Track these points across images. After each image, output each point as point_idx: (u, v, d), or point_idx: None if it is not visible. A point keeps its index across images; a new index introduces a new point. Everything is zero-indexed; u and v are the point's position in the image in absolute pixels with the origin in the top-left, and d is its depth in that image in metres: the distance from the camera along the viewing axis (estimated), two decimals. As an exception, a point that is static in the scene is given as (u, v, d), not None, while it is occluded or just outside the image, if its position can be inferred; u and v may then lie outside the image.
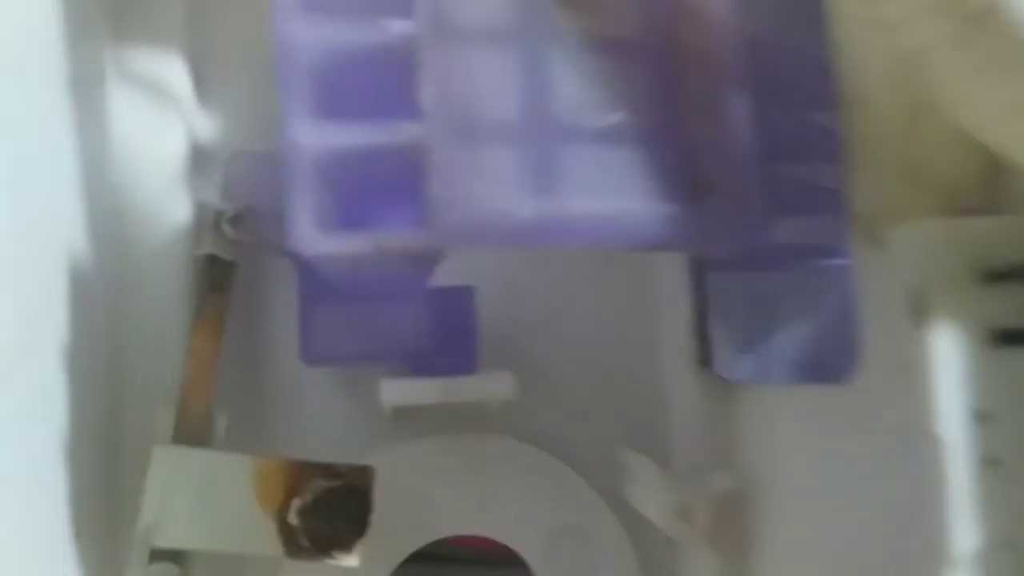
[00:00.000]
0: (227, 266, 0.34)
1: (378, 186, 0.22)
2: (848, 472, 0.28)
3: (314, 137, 0.21)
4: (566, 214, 0.22)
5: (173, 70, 0.34)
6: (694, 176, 0.24)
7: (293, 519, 0.31)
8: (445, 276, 0.33)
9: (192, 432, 0.32)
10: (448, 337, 0.34)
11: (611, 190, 0.22)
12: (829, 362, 0.31)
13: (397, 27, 0.21)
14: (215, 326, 0.34)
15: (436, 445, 0.36)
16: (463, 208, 0.21)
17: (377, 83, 0.22)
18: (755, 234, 0.27)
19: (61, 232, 0.30)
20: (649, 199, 0.23)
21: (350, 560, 0.31)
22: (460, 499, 0.36)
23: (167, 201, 0.34)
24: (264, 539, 0.31)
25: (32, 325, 0.28)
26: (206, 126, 0.36)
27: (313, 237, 0.22)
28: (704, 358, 0.35)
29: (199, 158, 0.35)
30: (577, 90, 0.22)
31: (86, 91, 0.32)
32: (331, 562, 0.31)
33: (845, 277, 0.31)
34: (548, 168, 0.22)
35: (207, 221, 0.34)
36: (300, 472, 0.32)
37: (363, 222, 0.22)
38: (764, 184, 0.27)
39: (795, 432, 0.32)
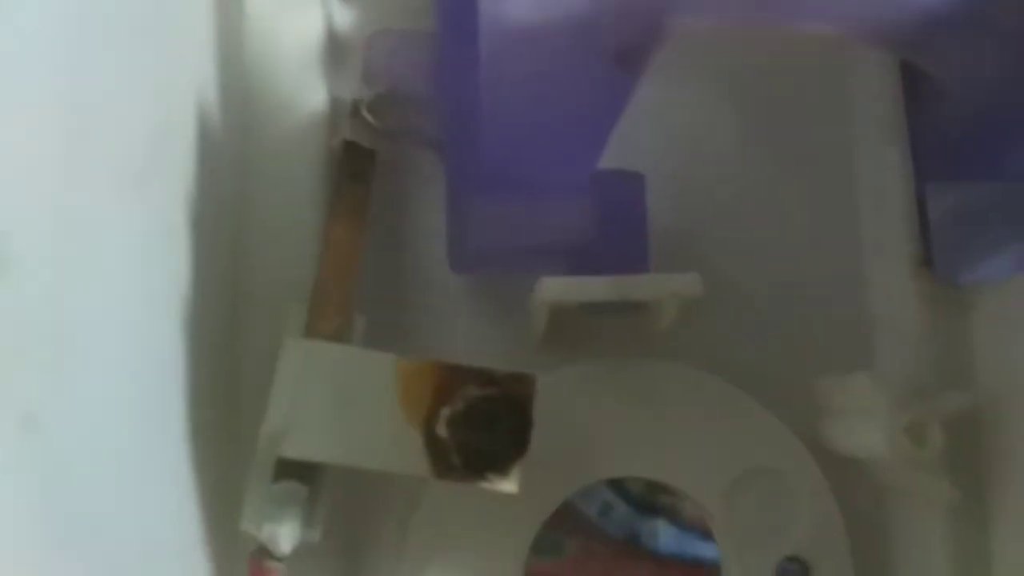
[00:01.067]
0: (367, 154, 0.31)
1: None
2: None
3: None
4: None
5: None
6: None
7: (442, 430, 0.26)
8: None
9: (328, 329, 0.28)
10: (616, 231, 0.29)
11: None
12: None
13: None
14: (356, 217, 0.30)
15: (597, 371, 0.31)
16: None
17: None
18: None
19: (187, 116, 0.27)
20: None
21: (508, 485, 0.26)
22: (625, 435, 0.30)
23: (301, 86, 0.31)
24: (409, 454, 0.26)
25: (153, 214, 0.25)
26: (345, 7, 0.32)
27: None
28: (927, 259, 0.29)
29: (336, 42, 0.32)
30: None
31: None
32: (485, 485, 0.26)
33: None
34: None
35: (346, 107, 0.31)
36: (452, 376, 0.27)
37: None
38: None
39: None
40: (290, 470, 0.26)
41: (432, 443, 0.27)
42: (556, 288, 0.28)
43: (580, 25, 0.18)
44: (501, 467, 0.26)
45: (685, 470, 0.30)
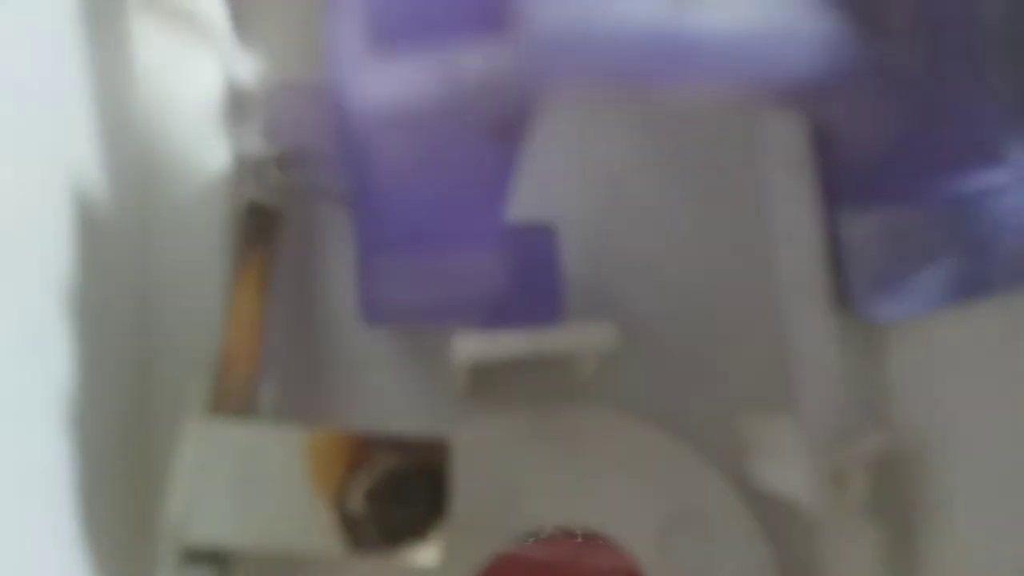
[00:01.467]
0: (271, 215, 0.30)
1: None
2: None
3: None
4: (701, 22, 0.17)
5: (205, -1, 0.30)
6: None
7: (355, 505, 0.26)
8: (518, 217, 0.28)
9: (233, 404, 0.27)
10: (529, 283, 0.28)
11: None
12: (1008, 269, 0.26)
13: None
14: (259, 283, 0.29)
15: (519, 420, 0.30)
16: (565, 6, 0.16)
17: None
18: (920, 89, 0.22)
19: (77, 186, 0.26)
20: (813, 10, 0.18)
21: (426, 555, 0.26)
22: (550, 485, 0.30)
23: (200, 147, 0.30)
24: (321, 532, 0.26)
25: (48, 291, 0.24)
26: (244, 61, 0.31)
27: (362, 66, 0.17)
28: (842, 296, 0.29)
29: (237, 96, 0.31)
30: None
31: (103, 21, 0.28)
32: (403, 559, 0.26)
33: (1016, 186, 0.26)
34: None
35: (247, 166, 0.30)
36: (362, 447, 0.26)
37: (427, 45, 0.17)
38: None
39: (975, 373, 0.26)
40: (199, 556, 0.25)
41: (345, 518, 0.26)
42: (469, 346, 0.28)
43: (447, 106, 0.17)
44: (419, 537, 0.26)
45: (613, 517, 0.30)
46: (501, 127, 0.19)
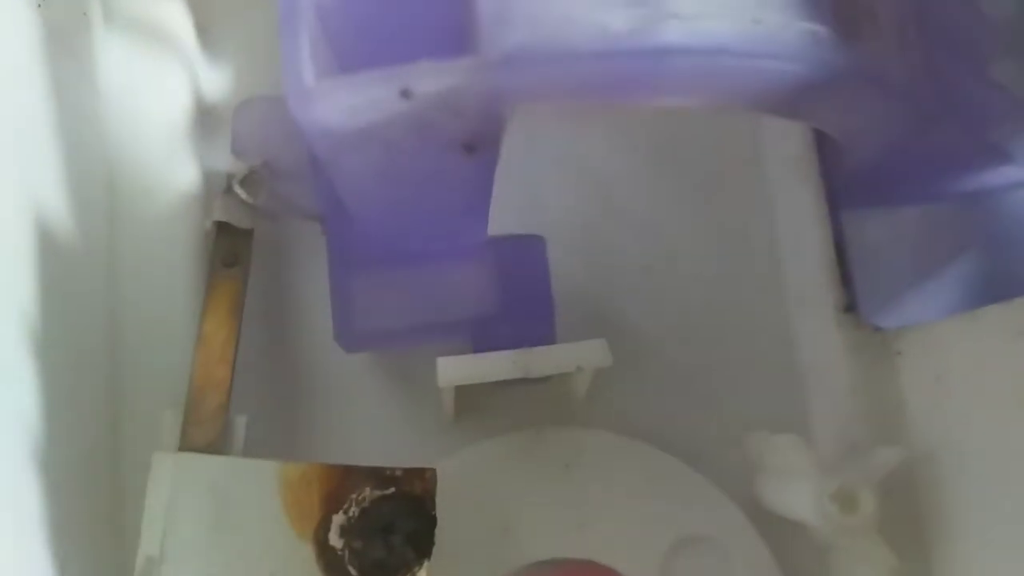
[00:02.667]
0: (241, 236, 0.28)
1: (401, 14, 0.16)
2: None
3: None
4: (674, 34, 0.15)
5: (172, 12, 0.29)
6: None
7: (335, 540, 0.24)
8: (505, 226, 0.26)
9: (205, 436, 0.26)
10: (516, 300, 0.27)
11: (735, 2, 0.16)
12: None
13: None
14: (230, 308, 0.27)
15: (513, 445, 0.29)
16: (529, 20, 0.14)
17: None
18: (913, 90, 0.20)
19: (42, 210, 0.24)
20: (786, 18, 0.16)
21: (414, 590, 0.24)
22: (548, 512, 0.28)
23: (168, 166, 0.28)
24: (300, 568, 0.24)
25: (13, 319, 0.23)
26: (212, 78, 0.30)
27: (314, 87, 0.16)
28: (850, 304, 0.27)
29: (205, 115, 0.30)
30: None
31: (68, 41, 0.27)
32: (389, 594, 0.24)
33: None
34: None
35: (217, 185, 0.28)
36: (342, 479, 0.25)
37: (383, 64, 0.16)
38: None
39: (989, 382, 0.24)
40: (172, 597, 0.24)
41: (325, 555, 0.24)
42: (454, 370, 0.26)
43: (408, 125, 0.16)
44: (405, 573, 0.25)
45: (616, 544, 0.28)
46: (467, 142, 0.17)
